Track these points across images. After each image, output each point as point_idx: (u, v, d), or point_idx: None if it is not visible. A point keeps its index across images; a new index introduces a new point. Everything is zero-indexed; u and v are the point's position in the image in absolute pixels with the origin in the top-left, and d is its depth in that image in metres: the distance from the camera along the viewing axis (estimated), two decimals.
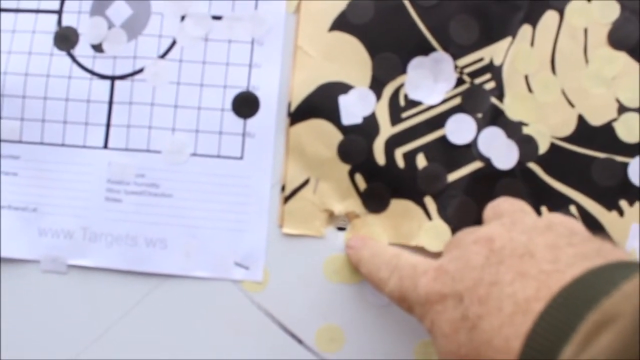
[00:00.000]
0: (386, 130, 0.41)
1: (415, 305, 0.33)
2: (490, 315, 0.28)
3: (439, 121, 0.41)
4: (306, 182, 0.41)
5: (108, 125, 0.42)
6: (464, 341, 0.29)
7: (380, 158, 0.40)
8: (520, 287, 0.28)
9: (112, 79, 0.42)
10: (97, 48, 0.43)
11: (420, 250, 0.40)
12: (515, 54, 0.40)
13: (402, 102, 0.41)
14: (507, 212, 0.36)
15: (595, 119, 0.40)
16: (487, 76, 0.40)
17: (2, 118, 0.43)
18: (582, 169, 0.40)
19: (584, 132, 0.40)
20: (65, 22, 0.43)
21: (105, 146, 0.42)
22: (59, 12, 0.43)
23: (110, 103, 0.42)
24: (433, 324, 0.31)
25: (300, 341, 0.41)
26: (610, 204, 0.40)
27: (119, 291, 0.42)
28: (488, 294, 0.29)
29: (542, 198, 0.40)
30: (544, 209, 0.40)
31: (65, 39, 0.43)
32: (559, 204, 0.40)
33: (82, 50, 0.43)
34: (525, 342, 0.26)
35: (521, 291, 0.28)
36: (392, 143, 0.41)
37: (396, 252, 0.36)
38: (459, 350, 0.29)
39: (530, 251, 0.29)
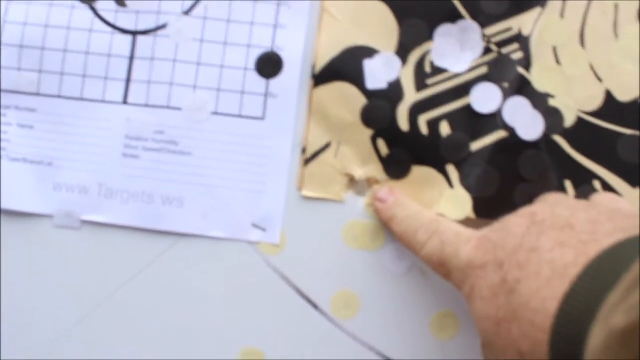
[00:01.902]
0: (410, 96, 0.40)
1: (454, 270, 0.33)
2: (528, 279, 0.28)
3: (464, 89, 0.40)
4: (327, 146, 0.41)
5: (128, 81, 0.42)
6: (502, 304, 0.29)
7: (403, 124, 0.40)
8: (559, 254, 0.28)
9: (134, 33, 0.42)
10: (120, 2, 0.42)
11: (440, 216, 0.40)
12: (544, 25, 0.40)
13: (427, 69, 0.40)
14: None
15: (623, 95, 0.40)
16: (515, 46, 0.40)
17: (20, 69, 0.42)
18: (607, 144, 0.40)
19: (611, 107, 0.40)
20: None
21: (125, 101, 0.42)
22: None
23: (131, 58, 0.42)
24: (473, 288, 0.31)
25: (315, 306, 0.41)
26: (635, 181, 0.39)
27: (132, 249, 0.41)
28: (527, 259, 0.29)
29: (565, 171, 0.40)
30: (567, 182, 0.40)
31: None
32: (583, 178, 0.40)
33: (104, 3, 0.42)
34: (562, 300, 0.26)
35: (560, 258, 0.28)
36: (416, 109, 0.40)
37: (435, 217, 0.36)
38: (496, 313, 0.29)
39: (570, 224, 0.30)
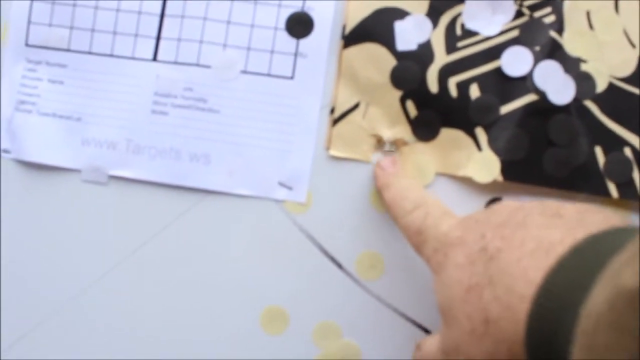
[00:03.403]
0: (441, 58, 0.40)
1: (430, 239, 0.33)
2: (511, 249, 0.28)
3: (495, 52, 0.40)
4: (356, 106, 0.41)
5: (158, 38, 0.42)
6: (478, 271, 0.29)
7: (433, 86, 0.40)
8: (545, 233, 0.28)
9: None
10: None
11: (468, 181, 0.40)
12: None
13: (458, 32, 0.40)
14: None
15: None
16: (547, 10, 0.40)
17: (51, 25, 0.43)
18: (639, 111, 0.39)
19: None
20: None
21: (155, 59, 0.42)
22: None
23: (162, 15, 0.42)
24: (446, 256, 0.31)
25: (340, 266, 0.41)
26: None
27: (159, 205, 0.42)
28: (512, 233, 0.29)
29: (596, 137, 0.39)
30: (597, 149, 0.39)
31: None
32: (614, 144, 0.39)
33: None
34: (551, 271, 0.26)
35: (546, 236, 0.28)
36: (446, 71, 0.40)
37: (427, 194, 0.36)
38: (469, 280, 0.29)
39: (560, 214, 0.29)
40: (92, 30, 0.42)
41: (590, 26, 0.40)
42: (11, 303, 0.42)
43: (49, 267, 0.42)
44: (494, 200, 0.40)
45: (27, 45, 0.43)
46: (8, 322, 0.42)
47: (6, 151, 0.43)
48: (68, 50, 0.42)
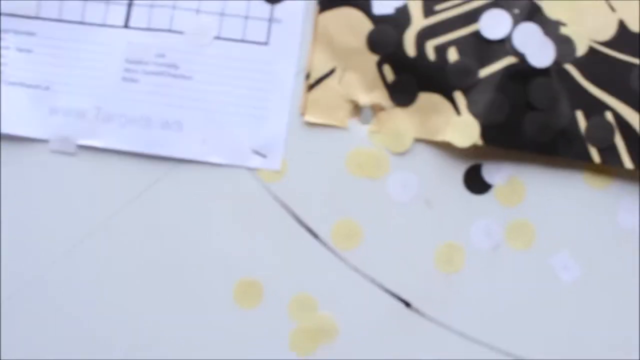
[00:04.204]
0: (418, 21, 0.39)
1: None
2: None
3: (473, 15, 0.39)
4: (332, 71, 0.40)
5: (130, 4, 0.41)
6: None
7: (410, 50, 0.39)
8: None
9: None
10: None
11: (447, 145, 0.39)
12: None
13: None
14: None
15: (636, 26, 0.39)
16: None
17: None
18: (620, 75, 0.39)
19: (624, 38, 0.39)
20: None
21: (126, 25, 0.41)
22: None
23: None
24: None
25: (315, 235, 0.39)
26: None
27: (129, 174, 0.40)
28: None
29: (577, 101, 0.39)
30: (578, 113, 0.38)
31: None
32: (595, 109, 0.39)
33: None
34: None
35: None
36: (424, 35, 0.39)
37: None
38: None
39: None
40: None
41: None
42: None
43: (17, 239, 0.40)
44: (474, 168, 0.39)
45: None
46: None
47: None
48: (37, 17, 0.41)
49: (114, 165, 0.40)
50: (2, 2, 0.41)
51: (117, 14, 0.41)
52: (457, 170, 0.39)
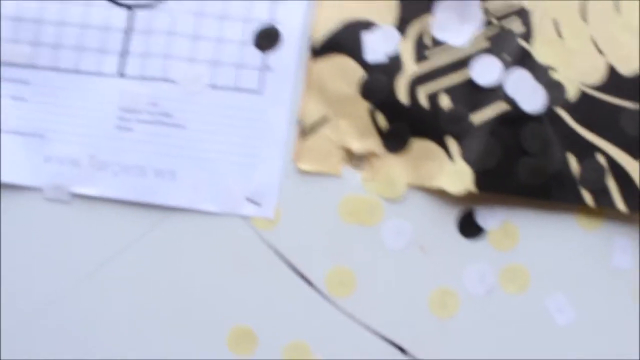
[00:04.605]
0: (410, 69, 0.39)
1: None
2: None
3: (464, 62, 0.39)
4: (325, 119, 0.40)
5: (124, 53, 0.41)
6: None
7: (403, 97, 0.39)
8: None
9: (131, 7, 0.41)
10: None
11: (440, 192, 0.39)
12: None
13: (427, 42, 0.40)
14: None
15: (625, 69, 0.39)
16: (516, 19, 0.40)
17: (15, 42, 0.42)
18: (610, 117, 0.39)
19: (613, 81, 0.39)
20: None
21: (120, 74, 0.41)
22: None
23: (128, 31, 0.41)
24: None
25: (309, 282, 0.39)
26: (638, 153, 0.38)
27: (123, 222, 0.40)
28: None
29: (569, 145, 0.39)
30: (570, 156, 0.39)
31: None
32: (586, 151, 0.39)
33: None
34: None
35: None
36: (416, 82, 0.39)
37: None
38: None
39: None
40: (57, 45, 0.41)
41: (559, 34, 0.39)
42: None
43: (8, 287, 0.40)
44: (467, 213, 0.39)
45: None
46: None
47: None
48: (32, 66, 0.42)
49: (108, 213, 0.40)
50: None
51: (111, 62, 0.41)
52: (450, 216, 0.39)
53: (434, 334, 0.39)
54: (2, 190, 0.41)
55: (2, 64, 0.42)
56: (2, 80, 0.42)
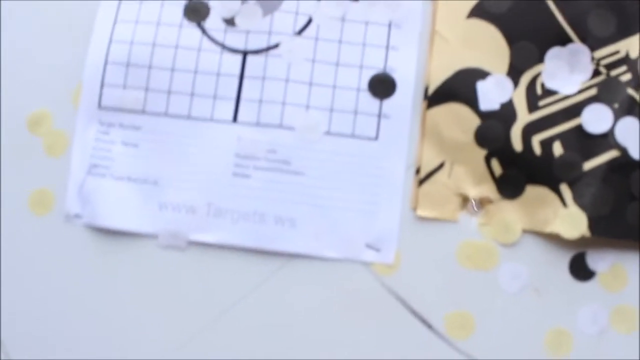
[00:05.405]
0: (523, 117, 0.41)
1: None
2: None
3: (575, 110, 0.41)
4: (441, 166, 0.41)
5: (238, 99, 0.41)
6: None
7: (517, 144, 0.40)
8: None
9: (244, 53, 0.42)
10: (229, 22, 0.42)
11: (552, 236, 0.40)
12: None
13: (539, 91, 0.41)
14: None
15: None
16: (623, 68, 0.41)
17: (126, 87, 0.42)
18: None
19: None
20: None
21: (235, 120, 0.41)
22: None
23: (242, 77, 0.42)
24: None
25: (429, 326, 0.40)
26: None
27: (241, 270, 0.41)
28: None
29: None
30: None
31: (195, 11, 0.42)
32: None
33: (212, 23, 0.42)
34: None
35: None
36: (529, 130, 0.41)
37: None
38: None
39: None
40: (169, 92, 0.42)
41: None
42: None
43: (129, 335, 0.41)
44: (578, 256, 0.41)
45: (100, 107, 0.42)
46: None
47: (78, 216, 0.42)
48: (143, 112, 0.42)
49: (225, 260, 0.41)
50: (107, 96, 0.42)
51: (225, 109, 0.41)
52: (562, 259, 0.41)
53: None
54: (115, 237, 0.41)
55: (113, 110, 0.42)
56: (113, 126, 0.42)
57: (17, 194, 0.43)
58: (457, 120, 0.41)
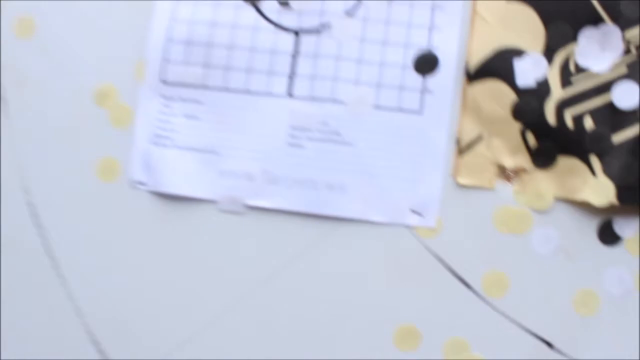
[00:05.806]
0: (557, 93, 0.44)
1: None
2: None
3: (605, 87, 0.44)
4: (480, 138, 0.44)
5: (292, 75, 0.45)
6: None
7: (551, 118, 0.44)
8: None
9: (297, 32, 0.45)
10: (283, 3, 0.45)
11: (582, 204, 0.43)
12: None
13: (572, 68, 0.44)
14: None
15: None
16: None
17: (186, 64, 0.45)
18: None
19: None
20: None
21: (289, 94, 0.45)
22: None
23: (295, 55, 0.45)
24: None
25: (467, 285, 0.44)
26: None
27: (295, 233, 0.44)
28: None
29: None
30: None
31: None
32: None
33: (267, 3, 0.45)
34: None
35: None
36: (562, 105, 0.44)
37: None
38: None
39: None
40: (227, 68, 0.45)
41: None
42: (148, 330, 0.45)
43: (185, 296, 0.44)
44: (606, 223, 0.44)
45: (162, 82, 0.45)
46: (146, 345, 0.45)
47: (142, 183, 0.45)
48: (203, 87, 0.45)
49: (280, 223, 0.44)
50: (170, 72, 0.45)
51: (280, 84, 0.45)
52: (591, 225, 0.44)
53: (577, 330, 0.44)
54: (177, 203, 0.45)
55: (175, 85, 0.45)
56: (174, 99, 0.45)
57: (85, 162, 0.46)
58: (495, 96, 0.44)
